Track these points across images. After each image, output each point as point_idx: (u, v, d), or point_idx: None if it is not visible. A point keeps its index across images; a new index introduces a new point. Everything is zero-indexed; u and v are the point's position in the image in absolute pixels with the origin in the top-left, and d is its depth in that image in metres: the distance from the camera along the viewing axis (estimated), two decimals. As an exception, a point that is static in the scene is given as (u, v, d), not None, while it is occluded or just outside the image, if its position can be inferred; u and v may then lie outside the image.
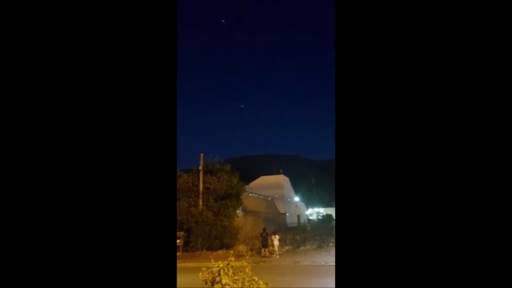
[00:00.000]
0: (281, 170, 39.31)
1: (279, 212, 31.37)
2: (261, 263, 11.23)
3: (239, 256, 12.18)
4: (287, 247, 14.51)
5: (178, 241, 13.95)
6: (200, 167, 16.79)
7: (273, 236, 13.36)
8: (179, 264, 9.61)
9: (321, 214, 43.60)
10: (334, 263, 8.81)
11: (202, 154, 17.37)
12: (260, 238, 13.46)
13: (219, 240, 14.87)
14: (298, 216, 40.91)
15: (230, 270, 4.29)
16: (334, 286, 2.20)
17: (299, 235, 19.00)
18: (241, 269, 4.41)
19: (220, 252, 13.62)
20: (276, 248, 12.80)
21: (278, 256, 12.46)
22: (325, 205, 56.76)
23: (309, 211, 50.98)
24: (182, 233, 14.61)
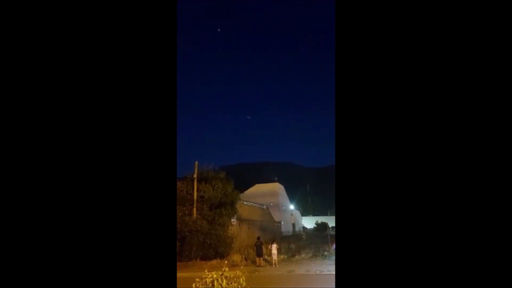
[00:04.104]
0: (276, 178, 39.24)
1: (274, 221, 31.12)
2: (256, 272, 11.11)
3: (233, 266, 12.01)
4: (282, 256, 14.38)
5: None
6: (195, 175, 16.65)
7: (270, 245, 13.23)
8: (172, 275, 9.41)
9: (317, 222, 43.40)
10: (328, 272, 8.71)
11: (196, 162, 17.29)
12: (255, 247, 13.34)
13: (213, 249, 14.64)
14: (293, 225, 40.69)
15: (224, 280, 4.24)
16: None
17: (294, 243, 18.86)
18: (235, 279, 4.36)
19: (214, 261, 13.44)
20: (274, 257, 12.69)
21: (276, 266, 12.34)
22: (321, 213, 56.59)
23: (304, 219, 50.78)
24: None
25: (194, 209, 15.87)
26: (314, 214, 59.45)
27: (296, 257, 14.62)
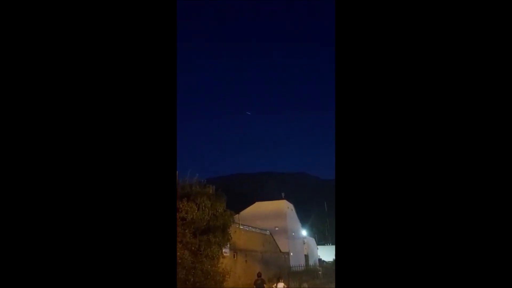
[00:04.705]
0: (283, 194, 39.04)
1: (280, 251, 30.81)
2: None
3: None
4: (291, 299, 14.10)
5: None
6: (174, 190, 16.39)
7: (275, 284, 13.07)
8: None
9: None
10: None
11: (176, 172, 17.02)
12: (254, 286, 13.10)
13: (198, 289, 13.89)
14: (306, 256, 40.35)
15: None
16: None
17: (308, 282, 18.65)
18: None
19: (199, 307, 13.14)
20: None
21: None
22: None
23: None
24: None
25: (173, 235, 15.60)
26: (334, 242, 59.05)
27: (311, 300, 14.35)
